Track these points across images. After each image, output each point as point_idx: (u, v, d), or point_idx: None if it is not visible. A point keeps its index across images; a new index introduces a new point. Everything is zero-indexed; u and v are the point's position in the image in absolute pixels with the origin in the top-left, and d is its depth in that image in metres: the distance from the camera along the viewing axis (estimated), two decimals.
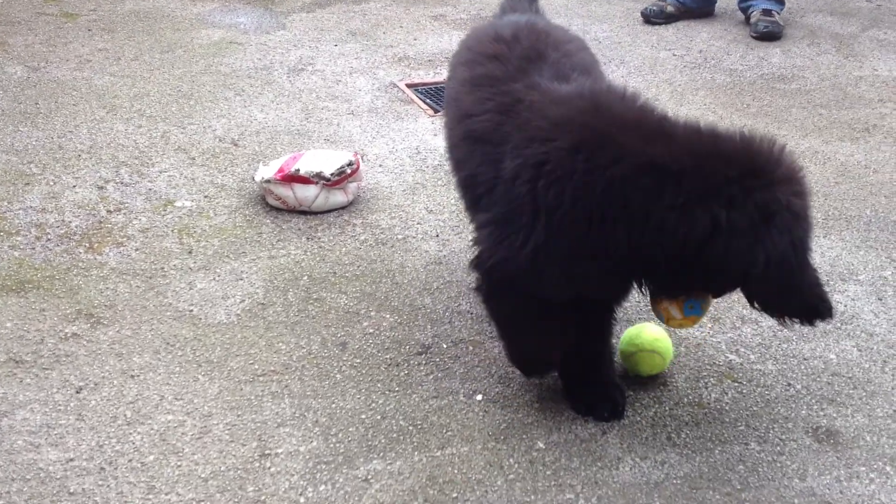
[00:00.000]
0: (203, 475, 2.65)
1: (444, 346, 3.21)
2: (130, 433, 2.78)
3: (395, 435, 2.83)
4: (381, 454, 2.75)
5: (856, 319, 3.36)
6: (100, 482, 2.61)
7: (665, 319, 2.74)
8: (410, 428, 2.86)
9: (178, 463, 2.69)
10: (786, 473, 2.72)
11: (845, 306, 3.42)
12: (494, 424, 2.88)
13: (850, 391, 3.03)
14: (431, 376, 3.07)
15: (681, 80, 5.28)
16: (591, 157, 2.46)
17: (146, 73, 5.21)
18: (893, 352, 3.20)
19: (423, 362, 3.13)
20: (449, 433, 2.84)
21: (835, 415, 2.94)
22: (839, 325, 3.32)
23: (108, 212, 3.87)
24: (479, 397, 2.98)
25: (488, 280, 2.72)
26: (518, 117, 2.66)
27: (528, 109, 2.66)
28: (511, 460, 2.75)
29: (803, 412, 2.94)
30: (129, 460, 2.69)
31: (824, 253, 3.72)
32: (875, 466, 2.75)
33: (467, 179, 2.88)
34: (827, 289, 2.62)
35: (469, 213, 2.99)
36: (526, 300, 2.68)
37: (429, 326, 3.27)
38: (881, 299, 3.46)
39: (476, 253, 2.73)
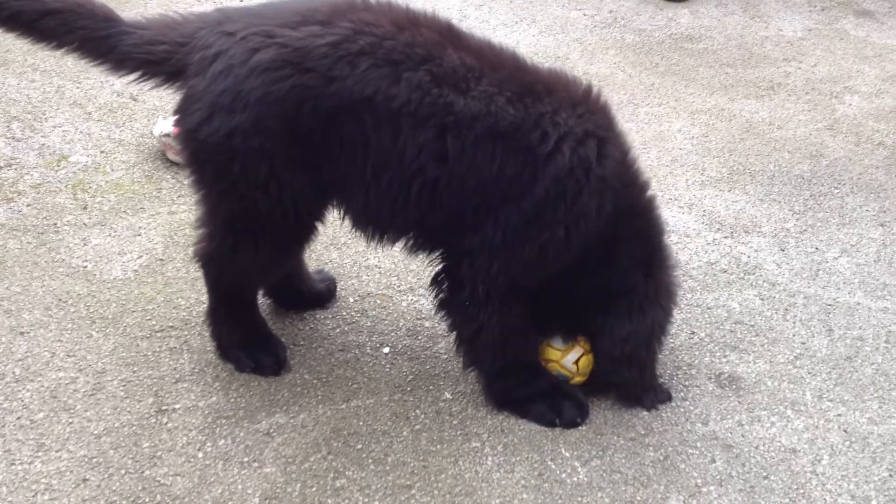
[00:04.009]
0: (96, 432, 2.55)
1: (352, 300, 3.15)
2: (19, 390, 2.66)
3: (299, 389, 2.76)
4: (285, 408, 2.69)
5: (759, 269, 3.41)
6: None
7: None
8: (315, 381, 2.80)
9: (70, 420, 2.58)
10: (689, 418, 2.75)
11: (748, 257, 3.47)
12: (401, 376, 2.84)
13: (753, 338, 3.08)
14: (338, 330, 3.01)
15: (591, 39, 5.27)
16: None
17: None
18: (795, 300, 3.25)
19: (330, 316, 3.07)
20: (355, 386, 2.79)
21: (737, 361, 2.98)
22: (742, 275, 3.37)
23: None
24: (386, 350, 2.94)
25: None
26: None
27: None
28: (417, 411, 2.71)
29: (706, 359, 2.97)
30: (18, 418, 2.57)
31: (729, 206, 3.77)
32: (776, 410, 2.79)
33: None
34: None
35: None
36: None
37: (336, 281, 3.19)
38: (783, 250, 3.52)
39: None
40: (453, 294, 2.63)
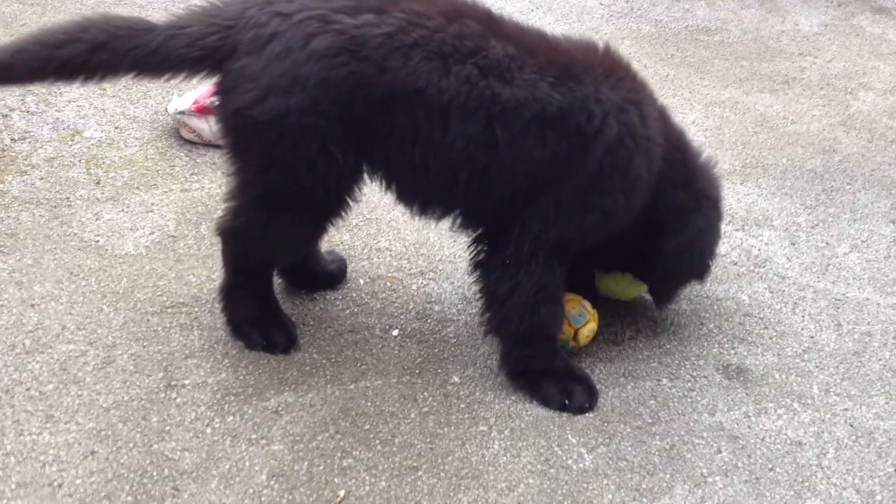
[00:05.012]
0: (105, 405, 2.56)
1: (362, 282, 3.16)
2: (29, 362, 2.67)
3: (307, 368, 2.77)
4: (293, 386, 2.70)
5: (769, 263, 3.40)
6: None
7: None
8: (324, 361, 2.81)
9: (79, 392, 2.59)
10: (696, 408, 2.75)
11: (759, 250, 3.47)
12: (410, 359, 2.84)
13: (761, 331, 3.08)
14: (347, 311, 3.02)
15: (607, 29, 5.25)
16: None
17: (57, 2, 4.97)
18: (804, 294, 3.25)
19: (339, 297, 3.08)
20: (363, 367, 2.80)
21: (745, 353, 2.98)
22: (752, 267, 3.37)
23: (13, 140, 3.70)
24: (396, 332, 2.94)
25: None
26: None
27: None
28: (425, 394, 2.72)
29: (715, 350, 2.98)
30: (27, 389, 2.58)
31: (741, 199, 3.76)
32: (783, 403, 2.80)
33: None
34: None
35: None
36: None
37: (347, 262, 3.20)
38: (794, 244, 3.52)
39: None
40: (494, 254, 2.69)
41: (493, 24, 2.53)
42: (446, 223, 2.77)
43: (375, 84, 2.40)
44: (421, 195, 2.64)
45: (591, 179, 2.55)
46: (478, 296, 2.79)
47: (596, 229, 2.66)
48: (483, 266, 2.73)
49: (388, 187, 2.65)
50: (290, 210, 2.57)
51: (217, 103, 2.51)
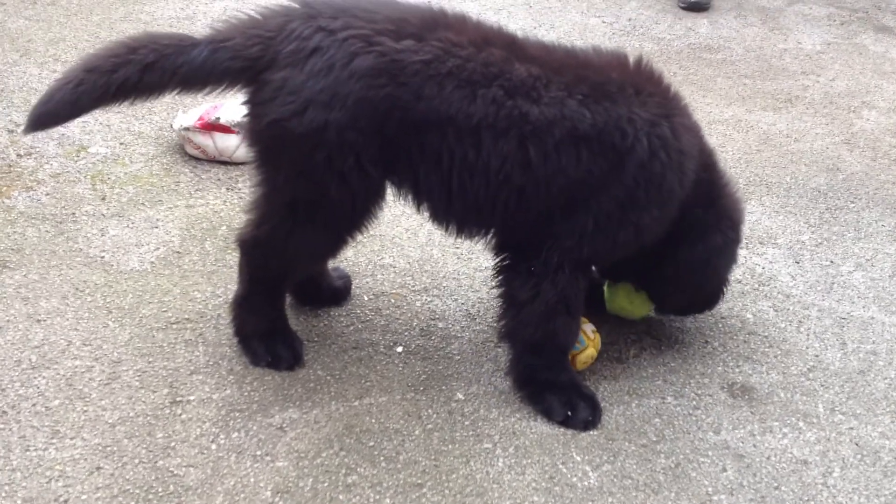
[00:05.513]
0: (110, 421, 2.56)
1: (366, 298, 3.16)
2: (35, 377, 2.67)
3: (312, 385, 2.77)
4: (298, 403, 2.70)
5: (773, 281, 3.41)
6: (1, 426, 2.50)
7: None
8: (328, 378, 2.81)
9: (85, 408, 2.59)
10: (700, 427, 2.75)
11: (763, 268, 3.47)
12: (414, 376, 2.84)
13: (766, 349, 3.08)
14: (352, 328, 3.02)
15: (609, 46, 5.26)
16: None
17: (63, 18, 5.01)
18: (809, 312, 3.25)
19: (344, 314, 3.08)
20: (367, 383, 2.80)
21: (750, 372, 2.98)
22: (757, 286, 3.37)
23: (18, 155, 3.71)
24: (400, 349, 2.95)
25: None
26: None
27: None
28: (430, 411, 2.72)
29: (719, 369, 2.98)
30: (33, 404, 2.58)
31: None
32: (788, 421, 2.79)
33: None
34: None
35: None
36: None
37: (351, 279, 3.20)
38: (798, 262, 3.52)
39: None
40: (520, 261, 2.70)
41: (517, 49, 2.55)
42: (451, 240, 2.78)
43: (411, 109, 2.43)
44: (457, 216, 2.66)
45: (626, 195, 2.57)
46: (498, 301, 2.79)
47: (628, 245, 2.67)
48: (508, 272, 2.74)
49: (420, 207, 2.66)
50: (314, 221, 2.58)
51: (249, 113, 2.53)
